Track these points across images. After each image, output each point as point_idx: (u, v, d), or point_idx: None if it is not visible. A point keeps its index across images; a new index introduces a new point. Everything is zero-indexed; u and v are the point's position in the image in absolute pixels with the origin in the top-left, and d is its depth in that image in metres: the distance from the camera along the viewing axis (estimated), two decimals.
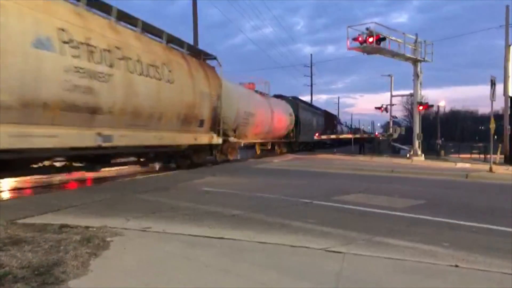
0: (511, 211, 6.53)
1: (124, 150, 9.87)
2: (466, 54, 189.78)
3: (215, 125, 13.91)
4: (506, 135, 20.31)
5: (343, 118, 57.14)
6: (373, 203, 6.91)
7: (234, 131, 16.22)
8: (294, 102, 26.49)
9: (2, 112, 6.37)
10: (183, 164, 13.21)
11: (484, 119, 68.63)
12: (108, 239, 4.13)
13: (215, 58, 14.57)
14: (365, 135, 35.31)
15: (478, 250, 4.12)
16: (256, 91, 21.18)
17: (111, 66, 8.67)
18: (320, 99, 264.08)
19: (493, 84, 14.81)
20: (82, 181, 10.29)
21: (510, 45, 19.58)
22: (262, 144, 22.80)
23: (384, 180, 11.13)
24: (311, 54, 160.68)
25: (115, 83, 8.79)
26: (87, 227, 4.57)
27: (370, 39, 18.35)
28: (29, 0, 7.03)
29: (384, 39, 18.90)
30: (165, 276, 3.21)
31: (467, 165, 17.84)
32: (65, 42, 7.52)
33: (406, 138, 34.18)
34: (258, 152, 23.65)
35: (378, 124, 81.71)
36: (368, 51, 19.62)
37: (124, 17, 10.03)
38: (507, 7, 19.99)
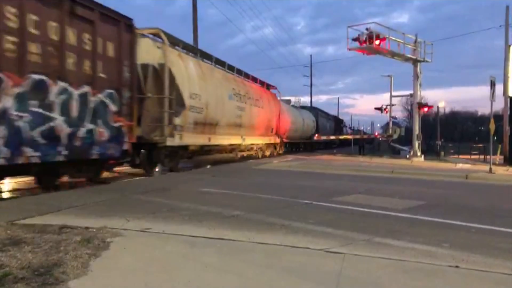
0: (511, 211, 6.53)
1: (246, 145, 18.50)
2: (466, 54, 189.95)
3: (277, 131, 22.43)
4: (505, 136, 20.30)
5: (343, 119, 59.11)
6: (373, 203, 6.91)
7: (284, 134, 23.87)
8: (315, 111, 34.62)
9: (221, 128, 14.63)
10: (261, 155, 21.23)
11: (484, 119, 68.70)
12: (108, 239, 4.13)
13: (276, 88, 23.23)
14: (365, 136, 35.43)
15: (478, 251, 4.12)
16: (292, 106, 29.37)
17: (245, 103, 17.03)
18: (320, 100, 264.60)
19: (493, 84, 14.80)
20: (82, 182, 10.28)
21: (510, 45, 19.58)
22: (292, 143, 28.81)
23: (384, 181, 11.13)
24: (310, 55, 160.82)
25: (246, 111, 17.08)
26: (87, 228, 4.57)
27: (370, 40, 18.36)
28: (223, 76, 15.56)
29: (384, 39, 18.89)
30: (165, 276, 3.21)
31: (467, 166, 17.85)
32: (235, 94, 15.87)
33: (406, 139, 34.22)
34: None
35: (378, 125, 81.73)
36: (368, 51, 19.63)
37: (240, 73, 18.38)
38: (507, 7, 20.00)
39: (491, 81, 14.82)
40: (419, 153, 21.56)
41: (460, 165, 18.17)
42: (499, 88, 17.78)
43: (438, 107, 38.43)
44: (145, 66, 10.83)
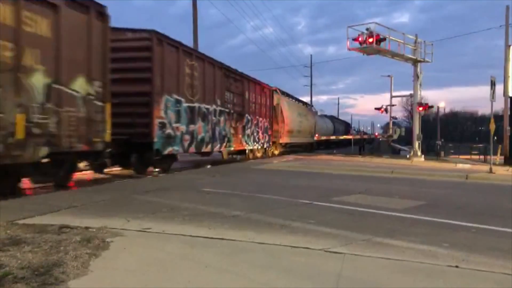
0: (511, 211, 6.53)
1: (299, 144, 29.66)
2: (466, 54, 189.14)
3: (314, 134, 32.25)
4: (506, 136, 20.30)
5: (343, 119, 63.03)
6: (373, 204, 6.91)
7: (317, 136, 33.38)
8: (332, 118, 46.77)
9: (293, 133, 26.35)
10: (304, 150, 30.57)
11: (484, 119, 68.73)
12: (108, 239, 4.13)
13: (313, 106, 39.90)
14: (365, 136, 35.52)
15: (478, 251, 4.12)
16: (320, 116, 40.80)
17: (301, 118, 28.61)
18: (320, 100, 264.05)
19: (493, 84, 14.79)
20: (82, 181, 10.29)
21: (510, 45, 19.57)
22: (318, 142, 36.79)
23: (384, 181, 11.13)
24: (311, 55, 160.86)
25: (302, 123, 28.60)
26: (87, 228, 4.57)
27: (370, 40, 18.34)
28: (294, 104, 29.40)
29: (384, 39, 18.88)
30: (165, 276, 3.21)
31: (467, 166, 17.85)
32: (299, 114, 28.13)
33: (406, 139, 34.26)
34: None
35: (378, 125, 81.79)
36: (368, 51, 19.62)
37: (293, 98, 30.68)
38: (507, 7, 20.00)
39: (491, 81, 14.81)
40: (419, 153, 21.55)
41: (460, 165, 18.17)
42: (499, 88, 17.76)
43: (438, 107, 38.55)
44: None
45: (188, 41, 15.11)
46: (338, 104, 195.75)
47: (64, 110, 7.54)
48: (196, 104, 13.17)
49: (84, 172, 10.79)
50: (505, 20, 20.02)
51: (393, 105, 28.69)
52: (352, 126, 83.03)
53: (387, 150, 32.71)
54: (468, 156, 28.65)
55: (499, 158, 20.75)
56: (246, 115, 18.03)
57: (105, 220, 5.01)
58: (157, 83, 10.95)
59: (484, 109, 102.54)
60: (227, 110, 15.77)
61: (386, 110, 27.73)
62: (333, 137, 35.96)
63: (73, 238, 4.09)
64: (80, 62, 7.98)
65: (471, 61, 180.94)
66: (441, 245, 4.30)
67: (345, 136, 37.56)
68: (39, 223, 4.80)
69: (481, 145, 29.14)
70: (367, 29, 18.69)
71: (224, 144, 15.68)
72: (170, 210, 5.93)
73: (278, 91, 23.89)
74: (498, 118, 20.75)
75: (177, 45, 12.06)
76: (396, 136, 27.44)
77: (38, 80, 6.96)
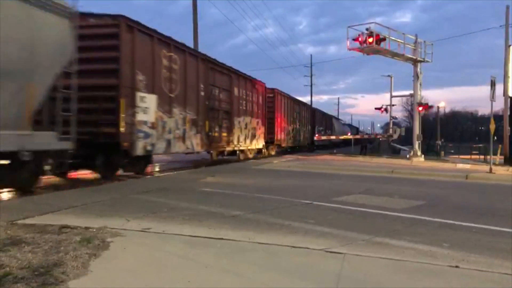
0: (511, 211, 6.53)
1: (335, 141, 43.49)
2: (467, 54, 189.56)
3: (341, 135, 39.39)
4: (506, 136, 20.28)
5: (343, 119, 69.42)
6: (373, 204, 6.91)
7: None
8: (349, 125, 61.26)
9: (336, 135, 40.63)
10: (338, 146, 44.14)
11: (484, 119, 68.73)
12: (108, 239, 4.13)
13: (339, 119, 60.55)
14: (365, 136, 35.60)
15: (478, 251, 4.12)
16: (342, 123, 54.15)
17: (339, 127, 48.88)
18: (321, 100, 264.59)
19: (493, 84, 14.79)
20: (82, 181, 10.28)
21: (510, 45, 19.56)
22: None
23: (384, 181, 11.13)
24: (311, 55, 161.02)
25: (338, 131, 44.58)
26: (87, 228, 4.57)
27: (370, 40, 18.32)
28: (337, 121, 53.20)
29: (384, 39, 18.86)
30: (165, 277, 3.21)
31: (467, 166, 17.84)
32: (337, 125, 49.79)
33: (406, 139, 34.27)
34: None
35: (378, 125, 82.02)
36: (368, 51, 19.60)
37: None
38: (507, 7, 19.99)
39: (492, 81, 14.81)
40: (419, 153, 21.54)
41: (460, 165, 18.17)
42: (499, 88, 17.76)
43: (438, 107, 38.59)
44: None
45: (189, 41, 15.02)
46: (338, 104, 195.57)
47: None
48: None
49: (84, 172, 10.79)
50: (505, 20, 20.00)
51: (393, 105, 28.69)
52: (351, 124, 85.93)
53: (387, 150, 32.71)
54: (468, 156, 28.65)
55: (499, 158, 20.73)
56: (316, 126, 33.40)
57: (105, 220, 5.01)
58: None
59: (484, 109, 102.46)
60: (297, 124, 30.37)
61: (386, 110, 27.70)
62: (351, 137, 42.22)
63: (73, 238, 4.08)
64: None
65: (472, 61, 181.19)
66: (441, 245, 4.30)
67: (336, 136, 44.49)
68: (39, 223, 4.80)
69: (481, 145, 29.10)
70: (367, 29, 18.67)
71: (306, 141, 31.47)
72: (170, 210, 5.93)
73: (334, 117, 43.15)
74: (498, 118, 20.69)
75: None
76: (396, 136, 27.39)
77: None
